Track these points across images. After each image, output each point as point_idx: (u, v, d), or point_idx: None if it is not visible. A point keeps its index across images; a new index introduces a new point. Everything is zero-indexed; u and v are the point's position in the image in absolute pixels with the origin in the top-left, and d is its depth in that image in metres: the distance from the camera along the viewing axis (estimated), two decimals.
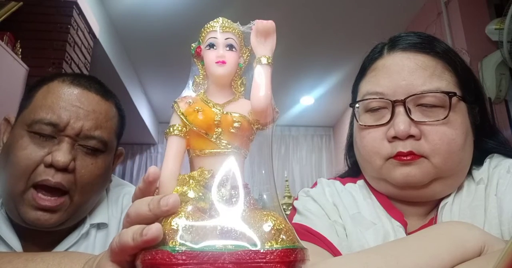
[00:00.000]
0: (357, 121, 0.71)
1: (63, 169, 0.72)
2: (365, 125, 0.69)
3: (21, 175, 0.72)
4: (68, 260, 0.54)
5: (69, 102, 0.76)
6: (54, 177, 0.72)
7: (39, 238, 0.79)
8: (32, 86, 0.82)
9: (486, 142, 0.73)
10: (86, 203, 0.79)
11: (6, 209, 0.78)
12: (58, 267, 0.53)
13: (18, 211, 0.73)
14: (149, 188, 0.41)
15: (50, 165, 0.72)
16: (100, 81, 0.85)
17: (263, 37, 0.46)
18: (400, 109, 0.65)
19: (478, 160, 0.70)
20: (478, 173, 0.68)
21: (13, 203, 0.74)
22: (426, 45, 0.69)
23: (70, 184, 0.74)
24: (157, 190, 0.42)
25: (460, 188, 0.68)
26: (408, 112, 0.65)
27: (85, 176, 0.76)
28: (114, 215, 0.87)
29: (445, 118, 0.64)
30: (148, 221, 0.38)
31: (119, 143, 0.89)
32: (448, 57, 0.69)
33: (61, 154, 0.72)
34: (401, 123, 0.64)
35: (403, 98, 0.65)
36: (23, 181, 0.72)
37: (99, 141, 0.77)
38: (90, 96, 0.79)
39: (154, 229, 0.35)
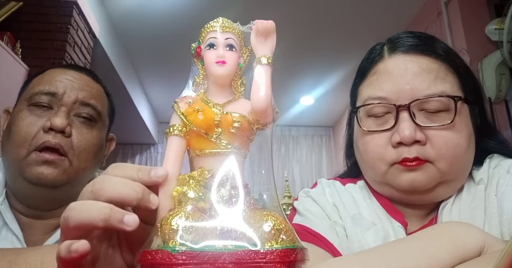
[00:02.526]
0: (360, 126, 0.70)
1: (61, 132, 0.78)
2: (368, 131, 0.68)
3: (23, 142, 0.77)
4: (50, 258, 0.54)
5: (64, 78, 0.84)
6: (54, 138, 0.77)
7: (37, 228, 0.82)
8: (28, 78, 0.90)
9: (486, 142, 0.72)
10: (83, 171, 0.83)
11: (9, 183, 0.83)
12: (41, 267, 0.53)
13: (23, 173, 0.77)
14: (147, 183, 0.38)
15: (49, 129, 0.78)
16: (90, 70, 0.94)
17: (263, 37, 0.46)
18: (404, 114, 0.64)
19: (478, 160, 0.70)
20: (478, 174, 0.68)
21: (16, 168, 0.78)
22: (428, 47, 0.69)
23: (68, 147, 0.79)
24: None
25: (460, 188, 0.68)
26: (413, 117, 0.64)
27: (81, 143, 0.81)
28: None
29: (451, 122, 0.63)
30: None
31: (110, 131, 0.94)
32: (450, 59, 0.68)
33: (58, 118, 0.78)
34: (406, 128, 0.63)
35: (407, 103, 0.64)
36: (25, 147, 0.77)
37: (93, 109, 0.84)
38: (82, 75, 0.87)
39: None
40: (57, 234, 0.81)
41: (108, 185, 0.35)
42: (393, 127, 0.65)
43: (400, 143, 0.64)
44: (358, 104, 0.72)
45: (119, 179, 0.35)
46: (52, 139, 0.77)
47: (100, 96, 0.87)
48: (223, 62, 0.45)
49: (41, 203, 0.81)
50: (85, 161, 0.82)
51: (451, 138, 0.63)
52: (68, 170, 0.79)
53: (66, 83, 0.82)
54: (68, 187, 0.80)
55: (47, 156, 0.77)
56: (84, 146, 0.81)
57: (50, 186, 0.78)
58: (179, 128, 0.44)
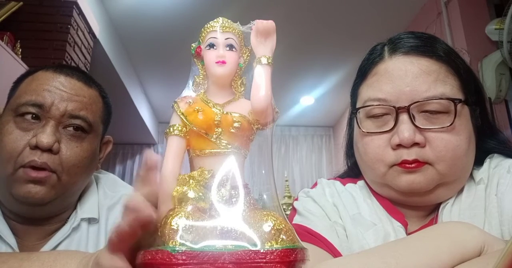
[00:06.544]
0: (360, 127, 0.69)
1: (48, 150, 0.74)
2: (368, 132, 0.68)
3: (9, 159, 0.74)
4: (63, 257, 0.54)
5: (53, 86, 0.79)
6: (40, 158, 0.74)
7: (32, 233, 0.80)
8: (17, 79, 0.85)
9: (486, 142, 0.72)
10: (74, 185, 0.80)
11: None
12: (53, 264, 0.53)
13: (10, 190, 0.75)
14: (149, 175, 0.40)
15: (35, 147, 0.74)
16: (82, 70, 0.88)
17: (263, 37, 0.46)
18: (404, 116, 0.64)
19: (478, 160, 0.70)
20: (478, 173, 0.68)
21: (4, 184, 0.76)
22: (429, 48, 0.68)
23: (55, 165, 0.75)
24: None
25: (460, 189, 0.68)
26: (412, 119, 0.64)
27: (70, 158, 0.77)
28: (105, 213, 0.87)
29: (450, 125, 0.63)
30: None
31: (106, 131, 0.91)
32: (450, 60, 0.68)
33: (45, 135, 0.74)
34: (405, 130, 0.63)
35: (407, 105, 0.64)
36: (11, 164, 0.74)
37: (83, 121, 0.79)
38: (73, 81, 0.81)
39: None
40: (54, 240, 0.80)
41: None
42: (392, 129, 0.65)
43: (399, 145, 0.64)
44: (358, 105, 0.72)
45: None
46: (38, 158, 0.73)
47: (92, 104, 0.82)
48: (223, 62, 0.45)
49: (32, 217, 0.80)
50: (75, 175, 0.79)
51: (450, 140, 0.63)
52: (56, 186, 0.76)
53: (55, 93, 0.78)
54: (58, 201, 0.79)
55: (34, 174, 0.73)
56: (74, 162, 0.77)
57: (38, 204, 0.76)
58: (179, 128, 0.44)
